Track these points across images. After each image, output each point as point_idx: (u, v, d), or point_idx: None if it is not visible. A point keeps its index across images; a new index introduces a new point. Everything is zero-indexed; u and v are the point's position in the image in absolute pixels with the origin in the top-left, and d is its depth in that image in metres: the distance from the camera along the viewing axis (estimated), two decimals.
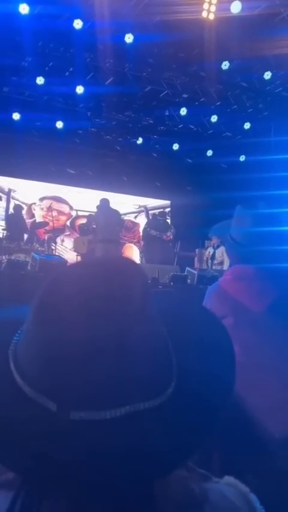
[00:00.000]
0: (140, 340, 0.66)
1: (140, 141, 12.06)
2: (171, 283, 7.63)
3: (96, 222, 9.80)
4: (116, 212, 9.76)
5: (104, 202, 9.80)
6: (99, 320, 0.65)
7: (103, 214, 9.58)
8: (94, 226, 10.01)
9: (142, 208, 13.78)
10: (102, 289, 0.67)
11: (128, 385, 0.66)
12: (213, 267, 9.63)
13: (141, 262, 11.52)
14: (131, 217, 13.58)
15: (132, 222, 13.58)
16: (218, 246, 9.78)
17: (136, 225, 13.54)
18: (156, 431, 0.65)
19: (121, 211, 12.55)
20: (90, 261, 0.80)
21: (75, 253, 10.35)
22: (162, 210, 12.78)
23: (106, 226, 9.36)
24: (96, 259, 0.78)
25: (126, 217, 13.42)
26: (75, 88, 9.86)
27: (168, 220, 12.61)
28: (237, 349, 0.78)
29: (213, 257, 9.96)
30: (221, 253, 9.63)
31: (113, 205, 10.16)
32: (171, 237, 11.03)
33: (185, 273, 8.26)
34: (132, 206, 13.68)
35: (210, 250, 10.13)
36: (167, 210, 13.51)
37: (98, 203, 9.84)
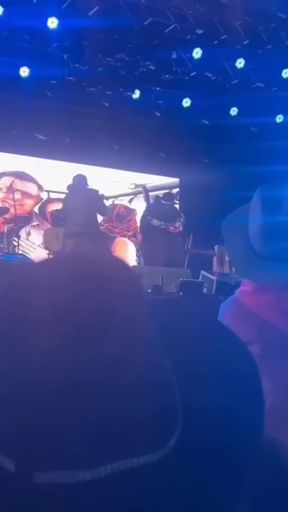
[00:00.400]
0: (131, 373, 0.67)
1: (136, 94, 11.97)
2: (180, 293, 7.70)
3: (66, 208, 9.87)
4: (95, 194, 9.78)
5: (79, 180, 9.91)
6: (72, 346, 0.65)
7: (76, 198, 9.55)
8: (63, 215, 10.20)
9: (140, 189, 13.65)
10: (77, 300, 0.67)
11: (115, 435, 0.66)
12: None
13: (138, 263, 11.67)
14: (124, 201, 13.51)
15: (126, 208, 13.42)
16: None
17: (131, 212, 13.39)
18: (154, 494, 0.65)
19: (111, 193, 12.89)
20: (61, 259, 0.80)
21: (47, 252, 10.57)
22: (168, 191, 12.77)
23: (79, 214, 9.38)
24: (70, 258, 0.76)
25: (117, 201, 13.22)
26: (46, 21, 9.82)
27: (177, 206, 12.60)
28: (267, 386, 0.79)
29: None
30: None
31: (97, 184, 10.22)
32: (180, 229, 11.15)
33: (200, 279, 8.38)
34: (126, 186, 13.55)
35: None
36: (175, 191, 13.48)
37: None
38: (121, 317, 0.68)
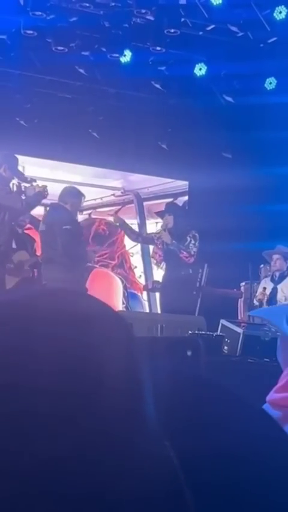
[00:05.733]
0: (125, 481, 0.70)
1: (127, 57, 11.17)
2: (188, 352, 7.08)
3: None
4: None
5: None
6: (29, 440, 0.68)
7: None
8: None
9: (130, 196, 13.75)
10: (37, 369, 0.69)
11: None
12: None
13: (127, 307, 11.99)
14: (106, 214, 13.69)
15: (108, 224, 13.33)
16: (284, 276, 10.26)
17: (117, 230, 13.16)
18: None
19: (86, 202, 12.38)
20: (7, 302, 0.81)
21: None
22: (172, 200, 12.75)
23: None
24: (24, 299, 0.76)
25: (96, 215, 13.42)
26: None
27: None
28: None
29: (273, 297, 10.33)
30: None
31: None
32: (194, 257, 10.74)
33: (219, 332, 8.04)
34: (109, 192, 13.84)
35: (268, 284, 10.46)
36: (183, 199, 13.07)
37: None
38: (106, 395, 0.71)
